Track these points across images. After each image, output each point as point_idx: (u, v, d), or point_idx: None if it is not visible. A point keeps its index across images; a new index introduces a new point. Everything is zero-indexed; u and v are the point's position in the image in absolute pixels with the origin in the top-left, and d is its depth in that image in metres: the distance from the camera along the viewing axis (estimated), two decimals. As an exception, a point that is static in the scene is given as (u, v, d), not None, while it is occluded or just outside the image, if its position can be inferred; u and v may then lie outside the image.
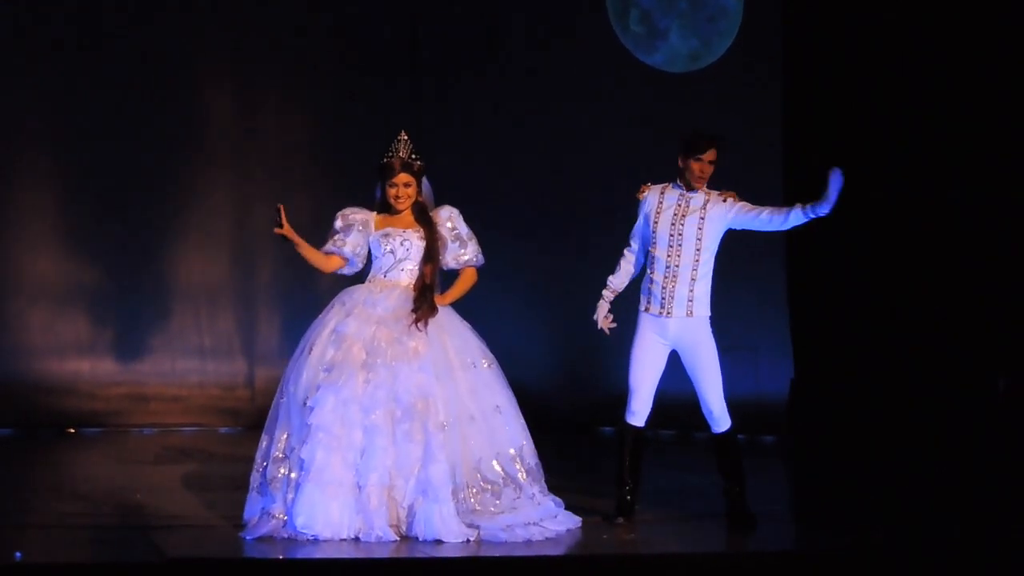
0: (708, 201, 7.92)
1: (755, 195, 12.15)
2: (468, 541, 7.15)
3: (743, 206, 7.98)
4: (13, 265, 11.80)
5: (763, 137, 11.93)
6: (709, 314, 7.92)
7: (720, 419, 7.93)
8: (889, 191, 11.42)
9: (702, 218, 7.88)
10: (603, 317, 7.96)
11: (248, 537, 7.22)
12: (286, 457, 7.37)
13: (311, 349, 7.52)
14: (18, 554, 6.45)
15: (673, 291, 7.83)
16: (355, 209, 7.90)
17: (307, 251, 7.83)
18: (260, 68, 12.19)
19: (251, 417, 11.94)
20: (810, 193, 11.49)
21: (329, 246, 7.84)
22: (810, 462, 11.00)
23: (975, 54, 11.04)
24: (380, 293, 7.67)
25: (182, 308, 12.06)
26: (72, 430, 11.64)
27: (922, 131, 11.28)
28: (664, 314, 7.84)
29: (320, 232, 12.16)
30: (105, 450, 10.92)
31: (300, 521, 7.17)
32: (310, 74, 12.28)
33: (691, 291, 7.84)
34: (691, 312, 7.84)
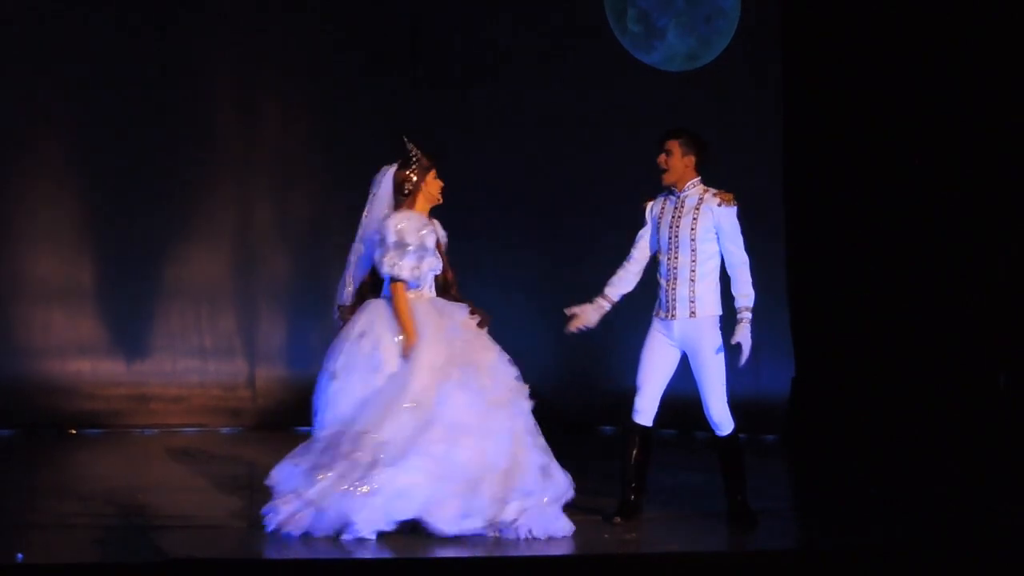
0: (702, 201, 7.91)
1: (755, 195, 12.21)
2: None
3: (730, 226, 7.88)
4: (14, 265, 11.81)
5: (763, 137, 11.94)
6: (717, 313, 7.89)
7: (721, 424, 7.92)
8: (889, 190, 11.42)
9: (695, 218, 7.87)
10: (579, 317, 7.95)
11: (274, 518, 7.23)
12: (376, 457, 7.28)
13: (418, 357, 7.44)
14: (20, 555, 6.45)
15: (675, 293, 7.85)
16: (426, 224, 7.61)
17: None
18: (261, 69, 12.20)
19: (252, 417, 11.98)
20: (808, 193, 11.54)
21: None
22: (811, 461, 11.01)
23: (976, 53, 11.04)
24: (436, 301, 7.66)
25: (183, 308, 12.07)
26: (73, 431, 11.64)
27: (922, 129, 11.28)
28: (668, 317, 7.85)
29: (322, 231, 12.27)
30: (106, 451, 10.93)
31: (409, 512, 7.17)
32: (311, 75, 12.30)
33: (692, 292, 7.84)
34: (694, 313, 7.84)
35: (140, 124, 11.94)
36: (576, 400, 12.02)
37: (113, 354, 11.95)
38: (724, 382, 7.89)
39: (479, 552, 6.98)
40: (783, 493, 9.80)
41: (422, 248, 7.50)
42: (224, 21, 12.12)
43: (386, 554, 6.98)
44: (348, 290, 7.81)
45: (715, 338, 7.85)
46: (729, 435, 7.96)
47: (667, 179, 7.94)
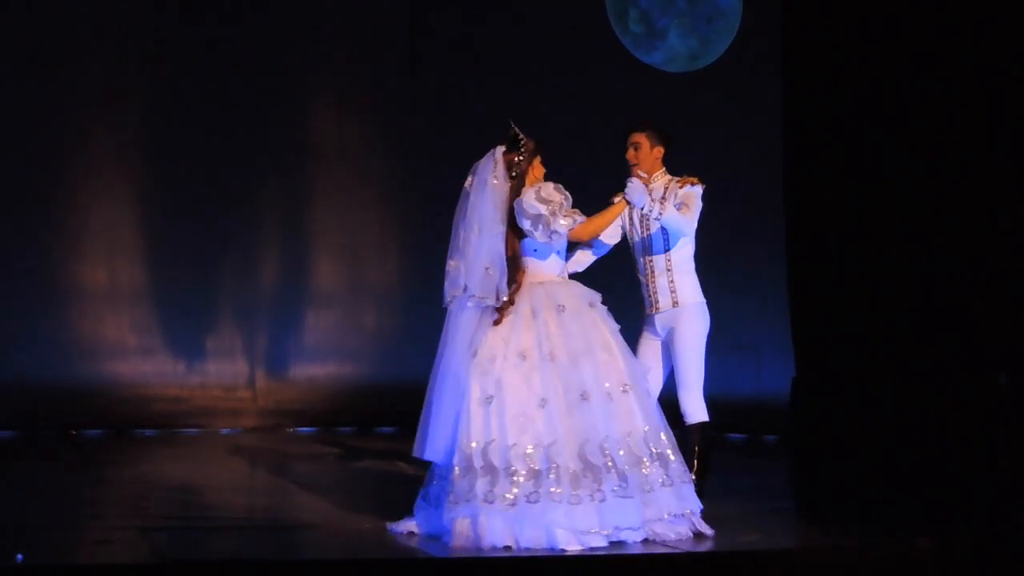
0: (668, 190, 7.83)
1: (755, 195, 12.21)
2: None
3: (685, 197, 7.74)
4: (15, 268, 11.81)
5: (763, 137, 11.94)
6: (700, 301, 7.82)
7: (691, 414, 7.75)
8: (889, 190, 11.42)
9: (662, 207, 7.81)
10: None
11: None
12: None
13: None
14: (20, 556, 6.45)
15: (655, 285, 7.80)
16: (557, 184, 7.42)
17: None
18: (261, 70, 12.21)
19: (252, 418, 11.97)
20: (808, 192, 11.53)
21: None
22: (811, 461, 11.01)
23: (976, 53, 11.04)
24: None
25: (184, 309, 12.08)
26: (74, 432, 11.65)
27: (922, 130, 11.28)
28: (654, 311, 7.82)
29: (323, 233, 12.28)
30: (106, 452, 10.93)
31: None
32: (312, 76, 12.31)
33: (671, 281, 7.78)
34: (676, 302, 7.79)
35: (139, 126, 11.95)
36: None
37: (113, 356, 11.95)
38: (700, 371, 7.77)
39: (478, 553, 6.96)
40: (783, 493, 9.80)
41: (567, 199, 7.34)
42: (232, 28, 12.13)
43: (386, 554, 6.97)
44: (488, 279, 7.25)
45: (695, 325, 7.76)
46: (697, 424, 7.76)
47: (637, 171, 7.88)
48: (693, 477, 7.63)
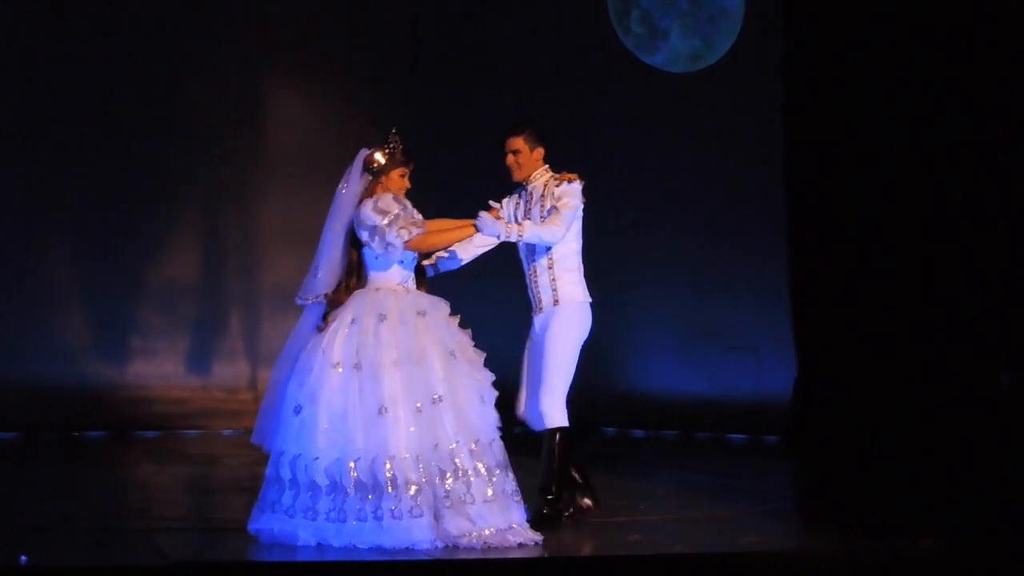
0: (547, 187, 7.70)
1: (757, 194, 12.21)
2: None
3: (560, 196, 7.62)
4: (15, 267, 11.83)
5: (764, 137, 11.94)
6: (584, 300, 7.66)
7: (546, 416, 7.56)
8: (889, 189, 11.43)
9: (543, 206, 7.67)
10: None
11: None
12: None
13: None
14: (23, 557, 6.47)
15: (538, 284, 7.65)
16: (399, 197, 7.37)
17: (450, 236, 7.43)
18: (262, 71, 12.23)
19: (254, 420, 11.94)
20: (809, 192, 11.54)
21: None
22: (813, 461, 11.01)
23: (976, 53, 11.05)
24: None
25: (184, 311, 12.09)
26: (76, 433, 11.66)
27: (922, 130, 11.29)
28: (539, 311, 7.66)
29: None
30: (109, 453, 10.94)
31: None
32: (310, 77, 12.32)
33: (553, 279, 7.62)
34: (557, 300, 7.62)
35: (139, 125, 11.96)
36: (577, 401, 12.01)
37: (115, 357, 11.97)
38: (566, 375, 7.58)
39: (476, 555, 6.97)
40: (784, 494, 9.81)
41: (405, 209, 7.26)
42: (223, 25, 12.13)
43: (386, 556, 6.98)
44: (315, 282, 7.42)
45: (569, 326, 7.58)
46: (555, 428, 7.56)
47: (519, 177, 7.73)
48: (554, 486, 7.49)
